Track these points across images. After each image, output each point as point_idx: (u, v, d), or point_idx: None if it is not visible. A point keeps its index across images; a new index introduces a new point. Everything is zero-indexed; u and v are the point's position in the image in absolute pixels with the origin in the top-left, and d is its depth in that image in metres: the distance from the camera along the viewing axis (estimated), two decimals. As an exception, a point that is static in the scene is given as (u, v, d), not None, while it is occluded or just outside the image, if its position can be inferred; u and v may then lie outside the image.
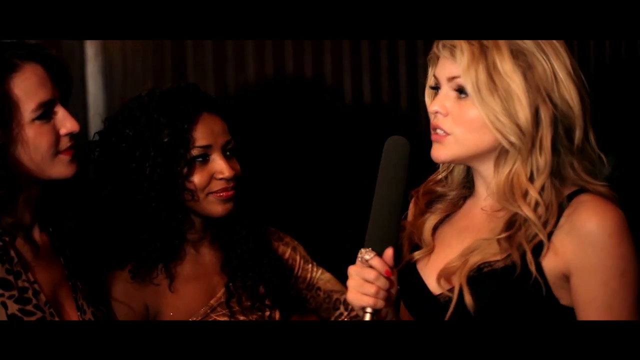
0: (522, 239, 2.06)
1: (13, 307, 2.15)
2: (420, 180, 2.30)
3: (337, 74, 3.38)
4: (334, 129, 3.36)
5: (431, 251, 2.21)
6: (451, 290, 2.10)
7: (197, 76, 3.14)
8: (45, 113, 2.21)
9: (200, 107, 2.51)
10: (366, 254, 2.04)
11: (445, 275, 2.13)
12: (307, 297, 2.77)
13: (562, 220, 2.06)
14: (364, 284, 2.04)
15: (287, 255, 2.74)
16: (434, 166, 2.29)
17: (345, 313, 2.76)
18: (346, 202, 3.33)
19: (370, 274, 2.03)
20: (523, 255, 2.05)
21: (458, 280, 2.09)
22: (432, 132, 2.14)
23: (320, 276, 2.77)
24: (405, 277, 2.19)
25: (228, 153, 2.53)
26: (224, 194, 2.50)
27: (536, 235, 2.06)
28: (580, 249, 2.04)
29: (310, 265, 2.77)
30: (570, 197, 2.09)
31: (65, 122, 2.24)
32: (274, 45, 3.27)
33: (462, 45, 2.09)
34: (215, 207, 2.51)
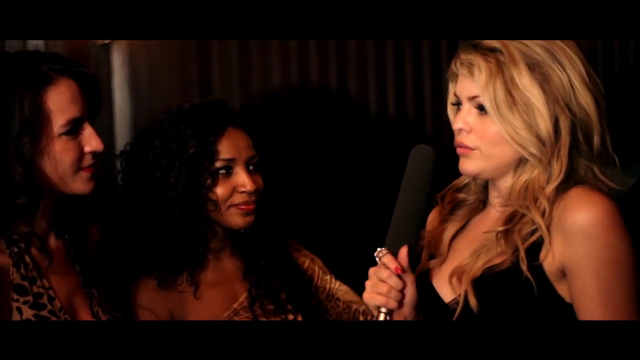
0: (517, 237, 2.09)
1: (28, 313, 2.17)
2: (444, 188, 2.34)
3: (362, 83, 3.39)
4: (357, 138, 3.37)
5: (444, 261, 2.25)
6: (460, 296, 2.13)
7: (222, 86, 3.16)
8: (73, 129, 2.24)
9: (226, 121, 2.56)
10: (380, 252, 2.10)
11: (457, 274, 2.16)
12: (327, 308, 2.79)
13: (552, 215, 2.08)
14: (378, 283, 2.09)
15: (305, 265, 2.77)
16: (458, 175, 2.31)
17: None
18: (369, 213, 3.33)
19: (384, 273, 2.09)
20: (518, 256, 2.07)
21: (464, 284, 2.12)
22: (457, 147, 2.18)
23: (339, 287, 2.80)
24: (419, 286, 2.22)
25: (252, 168, 2.58)
26: (245, 207, 2.54)
27: (532, 233, 2.09)
28: (569, 242, 2.05)
29: (328, 277, 2.80)
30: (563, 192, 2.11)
31: (91, 141, 2.27)
32: (299, 55, 3.29)
33: (480, 62, 2.12)
34: (236, 219, 2.55)
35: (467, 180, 2.30)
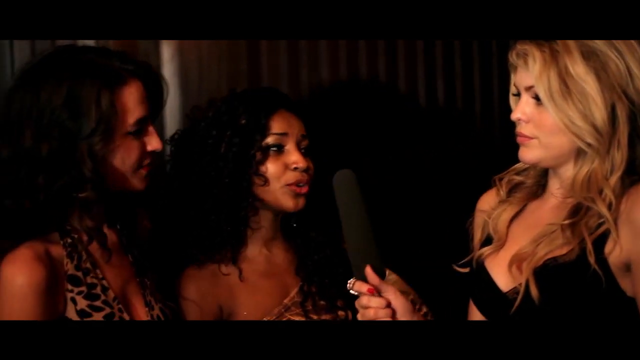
0: (584, 230, 2.07)
1: (82, 303, 2.18)
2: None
3: (411, 77, 3.38)
4: (407, 133, 3.36)
5: (501, 246, 2.23)
6: (520, 285, 2.11)
7: (271, 79, 3.16)
8: (139, 129, 2.25)
9: (278, 103, 2.56)
10: (349, 284, 2.16)
11: (517, 262, 2.15)
12: None
13: (620, 209, 2.07)
14: (364, 311, 2.15)
15: None
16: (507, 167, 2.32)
17: None
18: (415, 205, 3.33)
19: (363, 299, 2.16)
20: (585, 248, 2.05)
21: (525, 273, 2.10)
22: (516, 136, 2.18)
23: (389, 277, 2.75)
24: (474, 275, 2.21)
25: (303, 150, 2.56)
26: (298, 189, 2.52)
27: (598, 226, 2.07)
28: (636, 237, 2.03)
29: None
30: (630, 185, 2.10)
31: (153, 140, 2.29)
32: (348, 48, 3.28)
33: (534, 52, 2.10)
34: (287, 200, 2.52)
35: (525, 166, 2.28)
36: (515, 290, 2.14)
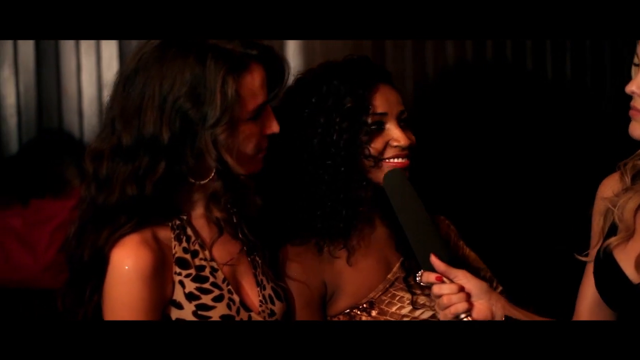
0: None
1: (190, 286, 2.15)
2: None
3: (540, 58, 3.30)
4: (529, 116, 3.37)
5: (630, 237, 2.11)
6: None
7: (396, 78, 3.10)
8: (258, 115, 2.20)
9: (375, 77, 2.50)
10: (418, 277, 2.23)
11: None
12: None
13: None
14: (439, 301, 2.14)
15: (442, 232, 2.66)
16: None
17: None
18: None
19: (435, 289, 2.15)
20: None
21: None
22: (630, 109, 2.09)
23: (469, 254, 2.70)
24: (600, 265, 2.10)
25: (402, 123, 2.50)
26: (396, 162, 2.47)
27: None
28: None
29: (461, 242, 2.71)
30: None
31: (271, 124, 2.24)
32: (474, 48, 3.31)
33: None
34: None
35: None
36: None
